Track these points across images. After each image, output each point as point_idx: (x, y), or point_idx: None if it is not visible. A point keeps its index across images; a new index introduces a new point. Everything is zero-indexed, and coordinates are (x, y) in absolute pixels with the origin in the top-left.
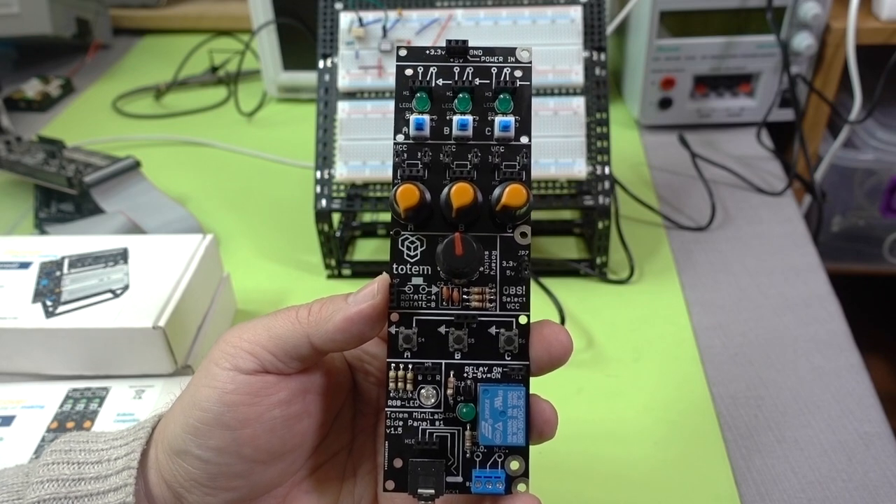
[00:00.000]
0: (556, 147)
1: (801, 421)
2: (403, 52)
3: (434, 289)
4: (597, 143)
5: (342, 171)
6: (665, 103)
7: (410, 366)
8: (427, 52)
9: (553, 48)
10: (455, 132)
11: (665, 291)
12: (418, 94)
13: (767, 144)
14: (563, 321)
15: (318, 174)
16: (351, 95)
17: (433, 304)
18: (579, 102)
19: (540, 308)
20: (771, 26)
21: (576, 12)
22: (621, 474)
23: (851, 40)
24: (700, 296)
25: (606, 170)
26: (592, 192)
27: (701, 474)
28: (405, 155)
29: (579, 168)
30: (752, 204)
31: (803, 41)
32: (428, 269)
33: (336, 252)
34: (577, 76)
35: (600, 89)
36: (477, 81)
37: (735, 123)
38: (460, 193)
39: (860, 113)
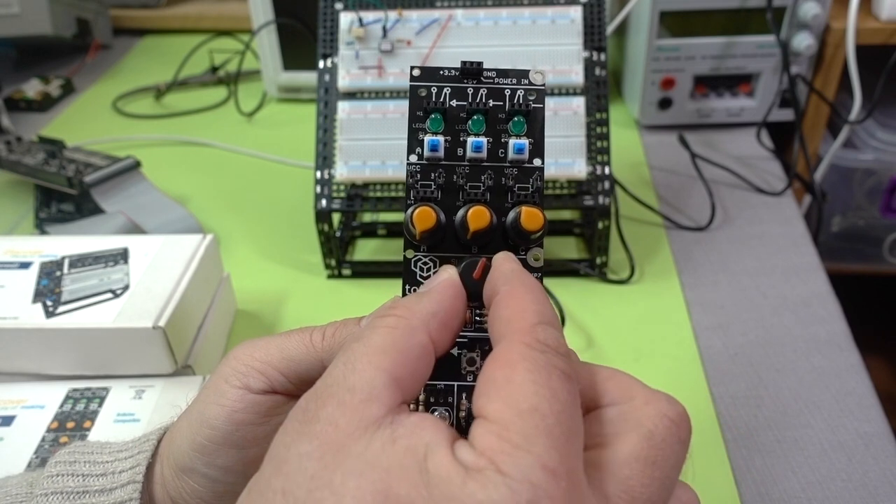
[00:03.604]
0: (556, 147)
1: (801, 421)
2: (417, 73)
3: None
4: (597, 143)
5: (342, 171)
6: (665, 103)
7: (423, 388)
8: (441, 72)
9: (553, 48)
10: (469, 154)
11: (665, 291)
12: (432, 115)
13: (767, 144)
14: (563, 321)
15: (318, 174)
16: (351, 95)
17: None
18: (579, 102)
19: None
20: (771, 26)
21: (576, 12)
22: None
23: (851, 40)
24: (700, 296)
25: (606, 170)
26: (592, 192)
27: (701, 474)
28: (418, 176)
29: (579, 168)
30: (752, 204)
31: (803, 41)
32: None
33: (336, 252)
34: (577, 76)
35: (600, 89)
36: (491, 103)
37: (735, 123)
38: (477, 217)
39: (860, 113)
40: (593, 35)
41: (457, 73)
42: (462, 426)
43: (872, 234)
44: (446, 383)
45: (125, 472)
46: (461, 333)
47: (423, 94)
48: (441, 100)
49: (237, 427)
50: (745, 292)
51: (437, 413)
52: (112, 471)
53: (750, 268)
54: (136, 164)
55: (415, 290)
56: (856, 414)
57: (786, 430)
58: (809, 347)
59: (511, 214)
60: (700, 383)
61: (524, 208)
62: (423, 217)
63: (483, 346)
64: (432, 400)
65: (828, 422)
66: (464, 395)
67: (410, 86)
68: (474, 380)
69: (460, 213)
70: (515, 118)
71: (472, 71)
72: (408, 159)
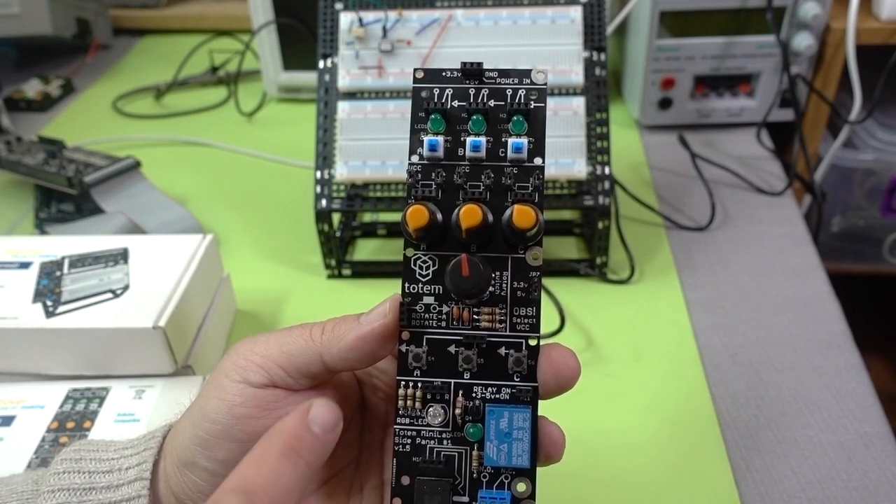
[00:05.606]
0: (556, 147)
1: (801, 421)
2: (420, 74)
3: (445, 308)
4: (597, 143)
5: (342, 171)
6: (665, 103)
7: (420, 384)
8: (443, 73)
9: (553, 48)
10: (468, 153)
11: (665, 291)
12: (433, 116)
13: (767, 144)
14: (562, 321)
15: (319, 174)
16: (351, 95)
17: (443, 324)
18: (579, 102)
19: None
20: (771, 26)
21: (576, 12)
22: (621, 475)
23: (851, 40)
24: (700, 296)
25: (606, 170)
26: (592, 192)
27: (701, 474)
28: (419, 175)
29: (579, 168)
30: (752, 204)
31: (803, 41)
32: (439, 289)
33: (336, 252)
34: (577, 76)
35: (600, 89)
36: (491, 103)
37: (735, 123)
38: (469, 215)
39: (860, 113)
40: (593, 35)
41: (458, 75)
42: (458, 423)
43: (872, 234)
44: (443, 380)
45: (132, 469)
46: (458, 331)
47: (425, 95)
48: (442, 101)
49: (237, 421)
50: (745, 292)
51: (432, 409)
52: (118, 468)
53: (750, 268)
54: (136, 164)
55: (414, 288)
56: (856, 414)
57: (786, 430)
58: (809, 347)
59: (506, 213)
60: (700, 383)
61: (516, 206)
62: (416, 215)
63: (480, 345)
64: (429, 397)
65: (828, 422)
66: (460, 393)
67: (413, 87)
68: (470, 377)
69: (455, 211)
70: (516, 117)
71: (473, 72)
72: (409, 159)
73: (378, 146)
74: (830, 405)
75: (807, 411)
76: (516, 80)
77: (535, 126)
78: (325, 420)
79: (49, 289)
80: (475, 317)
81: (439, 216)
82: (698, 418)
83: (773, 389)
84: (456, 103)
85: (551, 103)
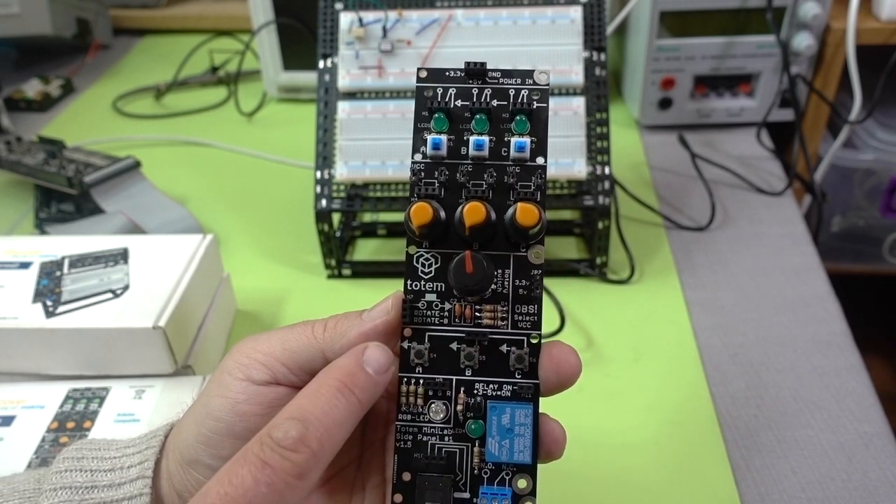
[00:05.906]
0: (556, 147)
1: (801, 421)
2: (423, 74)
3: (447, 305)
4: (597, 143)
5: (342, 171)
6: (665, 103)
7: (421, 381)
8: (446, 73)
9: (553, 48)
10: (471, 152)
11: (665, 291)
12: (436, 115)
13: (767, 144)
14: (563, 321)
15: (318, 174)
16: (351, 95)
17: (446, 321)
18: (579, 102)
19: None
20: (771, 26)
21: (576, 12)
22: (621, 474)
23: (851, 40)
24: (700, 296)
25: (606, 170)
26: (592, 192)
27: (701, 474)
28: (422, 174)
29: (579, 168)
30: (752, 204)
31: (803, 41)
32: (441, 286)
33: (336, 252)
34: (577, 76)
35: (600, 89)
36: (494, 103)
37: (735, 123)
38: (472, 212)
39: (860, 113)
40: (593, 35)
41: (462, 74)
42: (459, 420)
43: (872, 234)
44: (444, 377)
45: (134, 468)
46: (460, 328)
47: (429, 94)
48: (446, 100)
49: (241, 418)
50: (745, 292)
51: (433, 406)
52: (120, 466)
53: (750, 268)
54: (136, 164)
55: (416, 286)
56: (856, 414)
57: (786, 430)
58: (809, 347)
59: (509, 211)
60: (700, 383)
61: (519, 204)
62: (420, 212)
63: (482, 342)
64: (430, 393)
65: (828, 422)
66: (461, 390)
67: (417, 86)
68: (472, 374)
69: (458, 209)
70: (518, 117)
71: (476, 71)
72: (413, 158)
73: (378, 146)
74: (830, 405)
75: (807, 411)
76: (519, 81)
77: (538, 126)
78: (378, 362)
79: (49, 289)
80: (477, 314)
81: (442, 214)
82: (698, 418)
83: (773, 389)
84: (459, 103)
85: (551, 103)
